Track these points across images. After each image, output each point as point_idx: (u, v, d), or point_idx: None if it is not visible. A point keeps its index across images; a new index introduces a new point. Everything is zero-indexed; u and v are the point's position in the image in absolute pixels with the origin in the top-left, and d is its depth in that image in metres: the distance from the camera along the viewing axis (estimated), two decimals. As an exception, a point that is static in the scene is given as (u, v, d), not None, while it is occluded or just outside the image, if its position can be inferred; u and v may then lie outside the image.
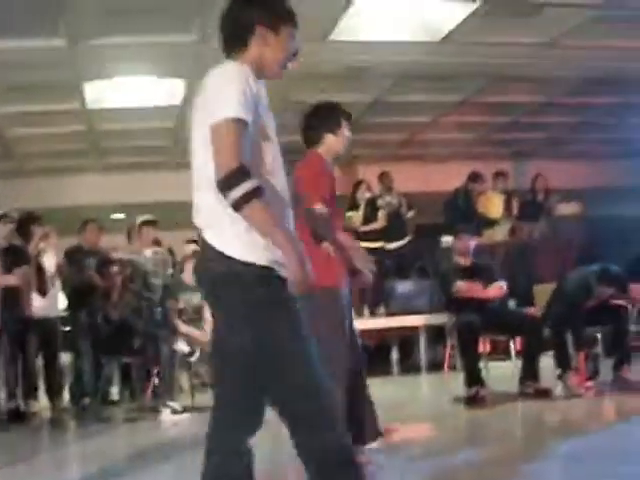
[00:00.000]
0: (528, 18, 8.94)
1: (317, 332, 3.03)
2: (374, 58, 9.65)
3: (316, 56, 9.27)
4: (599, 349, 8.36)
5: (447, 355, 8.49)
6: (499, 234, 11.84)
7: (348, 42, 9.08)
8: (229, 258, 2.85)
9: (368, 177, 12.95)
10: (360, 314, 11.36)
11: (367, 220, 12.10)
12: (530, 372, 7.62)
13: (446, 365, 8.44)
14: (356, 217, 12.06)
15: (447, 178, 11.11)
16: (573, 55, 9.86)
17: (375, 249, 12.19)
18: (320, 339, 3.03)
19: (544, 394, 7.47)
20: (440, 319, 9.64)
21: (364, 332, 11.97)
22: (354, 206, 12.13)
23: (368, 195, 12.21)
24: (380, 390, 9.53)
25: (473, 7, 8.43)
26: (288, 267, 2.78)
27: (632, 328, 8.31)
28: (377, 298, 11.83)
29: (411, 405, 8.13)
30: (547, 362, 7.91)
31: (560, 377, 7.63)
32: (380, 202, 12.47)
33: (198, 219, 2.96)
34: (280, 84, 10.42)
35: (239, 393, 3.01)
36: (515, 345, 9.03)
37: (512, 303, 9.51)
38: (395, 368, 11.26)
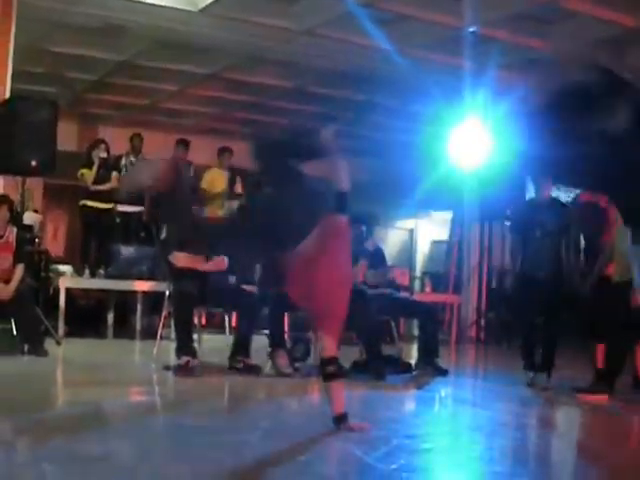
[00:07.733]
0: (287, 4, 9.15)
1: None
2: (133, 18, 9.50)
3: (75, 7, 9.04)
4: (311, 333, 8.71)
5: (162, 324, 8.54)
6: (220, 210, 11.89)
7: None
8: None
9: (108, 138, 12.75)
10: (80, 274, 11.23)
11: (99, 180, 11.94)
12: (242, 347, 7.83)
13: (159, 334, 8.49)
14: (88, 175, 11.86)
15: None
16: (327, 46, 10.11)
17: (105, 210, 12.06)
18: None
19: (253, 370, 7.71)
20: (159, 287, 9.68)
21: (83, 291, 11.90)
22: (88, 164, 11.93)
23: (104, 155, 12.03)
24: (93, 352, 9.51)
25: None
26: None
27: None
28: (99, 259, 11.70)
29: (120, 369, 8.09)
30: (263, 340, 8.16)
31: (270, 356, 7.89)
32: (124, 161, 12.36)
33: None
34: (35, 32, 10.00)
35: None
36: (230, 320, 9.23)
37: (232, 278, 9.66)
38: (110, 331, 11.20)
